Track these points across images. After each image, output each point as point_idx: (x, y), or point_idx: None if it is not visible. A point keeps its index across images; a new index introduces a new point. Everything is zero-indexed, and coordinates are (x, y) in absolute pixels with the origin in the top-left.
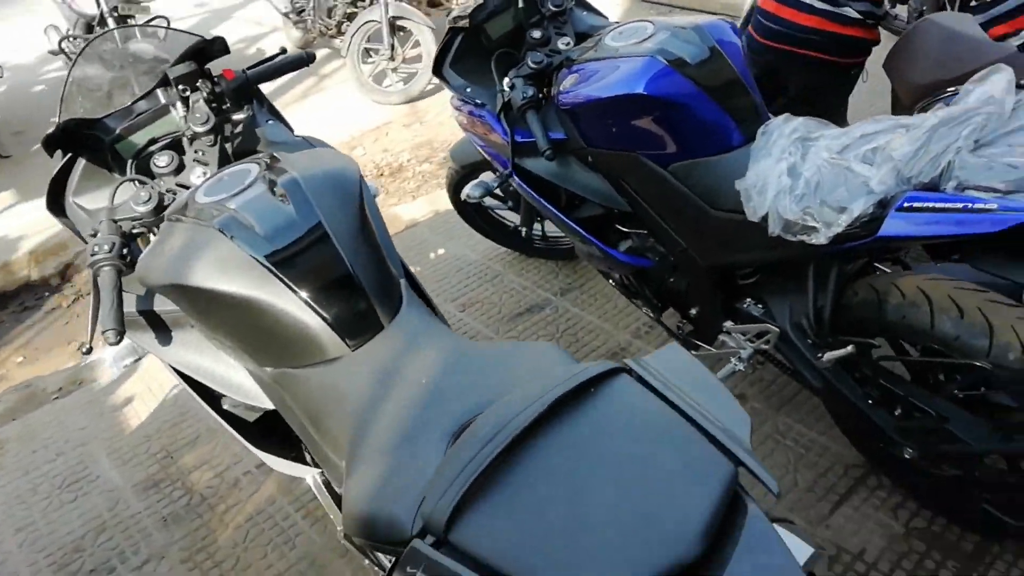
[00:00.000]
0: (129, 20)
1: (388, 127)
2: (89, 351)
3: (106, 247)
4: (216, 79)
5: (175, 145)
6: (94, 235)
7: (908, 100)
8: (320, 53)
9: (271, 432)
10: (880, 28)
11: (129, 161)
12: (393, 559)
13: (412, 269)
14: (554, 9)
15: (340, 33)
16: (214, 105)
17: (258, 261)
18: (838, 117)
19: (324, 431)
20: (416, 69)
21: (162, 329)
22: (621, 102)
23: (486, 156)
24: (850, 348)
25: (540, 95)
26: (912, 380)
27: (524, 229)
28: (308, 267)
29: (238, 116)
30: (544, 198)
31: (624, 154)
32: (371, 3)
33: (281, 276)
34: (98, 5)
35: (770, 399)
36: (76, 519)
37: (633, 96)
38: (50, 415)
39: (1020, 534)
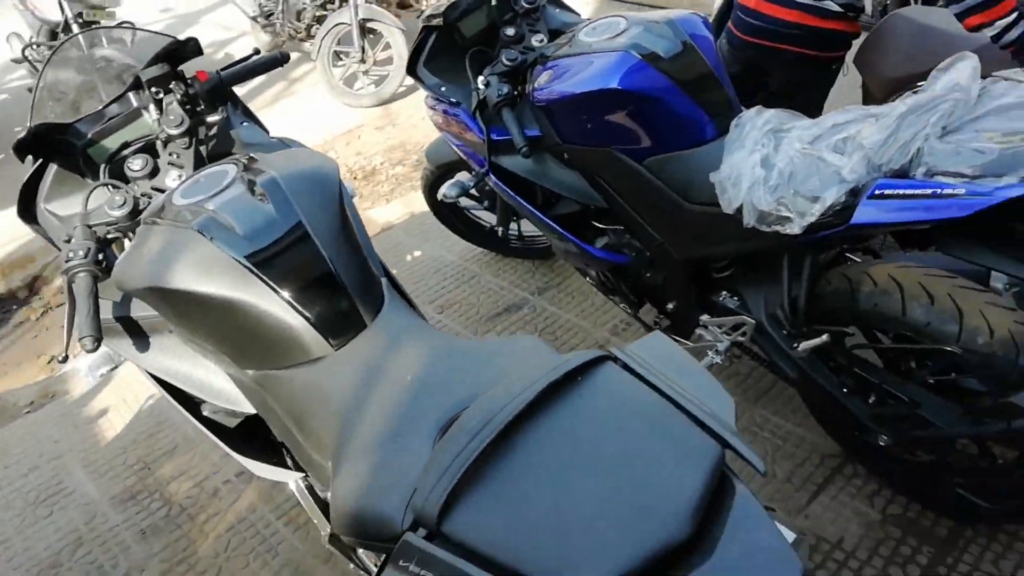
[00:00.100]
0: (94, 26)
1: (360, 130)
2: (65, 359)
3: (81, 253)
4: (189, 81)
5: (149, 149)
6: (68, 241)
7: (880, 94)
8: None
9: (252, 438)
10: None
11: (102, 166)
12: (383, 557)
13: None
14: (527, 6)
15: (309, 36)
16: (188, 107)
17: (238, 262)
18: (817, 111)
19: (308, 432)
20: (387, 71)
21: (140, 335)
22: (595, 97)
23: (462, 155)
24: (825, 337)
25: (515, 92)
26: (885, 367)
27: (500, 229)
28: (289, 267)
29: (212, 118)
30: (521, 196)
31: (599, 149)
32: (340, 5)
33: (262, 276)
34: (62, 11)
35: (746, 392)
36: (52, 534)
37: (607, 91)
38: (22, 429)
39: (993, 517)
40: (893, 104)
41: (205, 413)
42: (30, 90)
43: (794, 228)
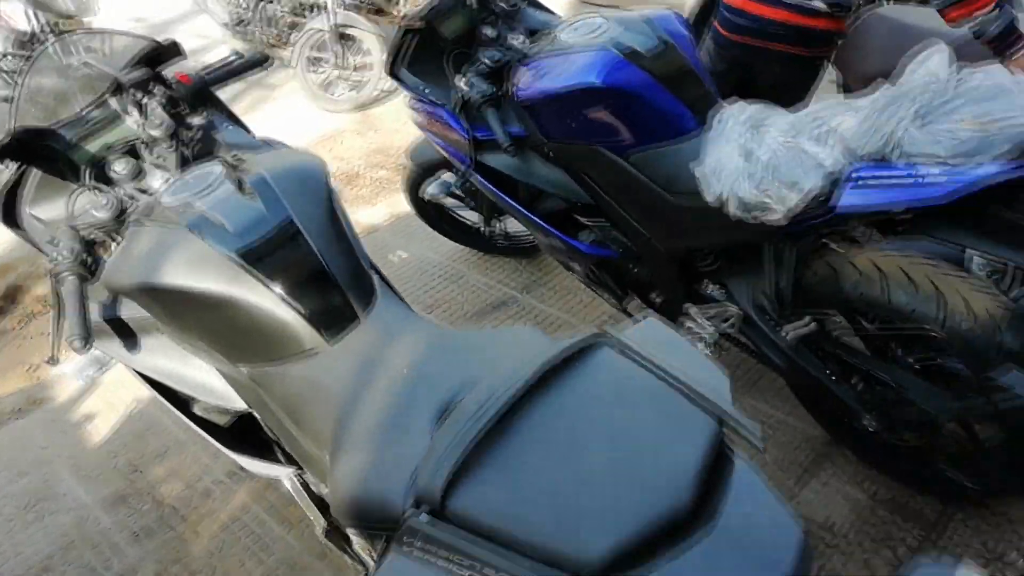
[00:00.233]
0: (75, 31)
1: (341, 135)
2: (55, 362)
3: (67, 254)
4: (171, 84)
5: (132, 151)
6: (54, 244)
7: (858, 91)
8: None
9: (244, 436)
10: None
11: (85, 169)
12: (384, 542)
13: None
14: (505, 8)
15: (285, 43)
16: (170, 110)
17: (230, 258)
18: (802, 107)
19: (304, 425)
20: (365, 77)
21: (129, 336)
22: (577, 94)
23: (445, 155)
24: (811, 324)
25: (497, 91)
26: (870, 353)
27: (485, 228)
28: (281, 262)
29: (195, 120)
30: (505, 194)
31: (583, 146)
32: (316, 12)
33: (254, 272)
34: (34, 21)
35: (735, 382)
36: (43, 538)
37: (589, 88)
38: (8, 436)
39: (979, 497)
40: (870, 96)
41: (197, 412)
42: (6, 100)
43: (777, 217)
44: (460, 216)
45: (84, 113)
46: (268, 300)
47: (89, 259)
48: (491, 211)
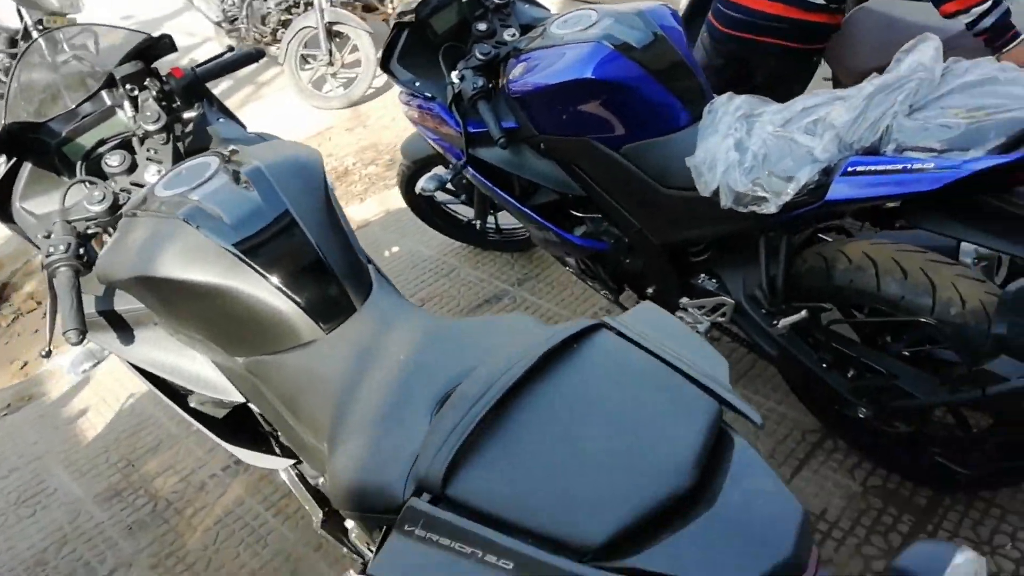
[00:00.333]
0: (66, 25)
1: (331, 132)
2: (49, 355)
3: (62, 247)
4: (164, 78)
5: (125, 145)
6: (47, 237)
7: (849, 85)
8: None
9: (240, 429)
10: None
11: (78, 163)
12: (383, 529)
13: None
14: (497, 2)
15: (275, 40)
16: (163, 104)
17: (227, 249)
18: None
19: (301, 415)
20: (356, 74)
21: (124, 328)
22: (570, 87)
23: (438, 149)
24: (803, 313)
25: (490, 85)
26: (862, 342)
27: (478, 222)
28: (278, 253)
29: (189, 114)
30: (498, 187)
31: (576, 139)
32: (306, 9)
33: (251, 263)
34: (21, 19)
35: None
36: (36, 533)
37: (582, 81)
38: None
39: (970, 485)
40: (860, 86)
41: (192, 405)
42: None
43: (770, 208)
44: (453, 211)
45: (77, 107)
46: (265, 291)
47: (83, 252)
48: (484, 205)
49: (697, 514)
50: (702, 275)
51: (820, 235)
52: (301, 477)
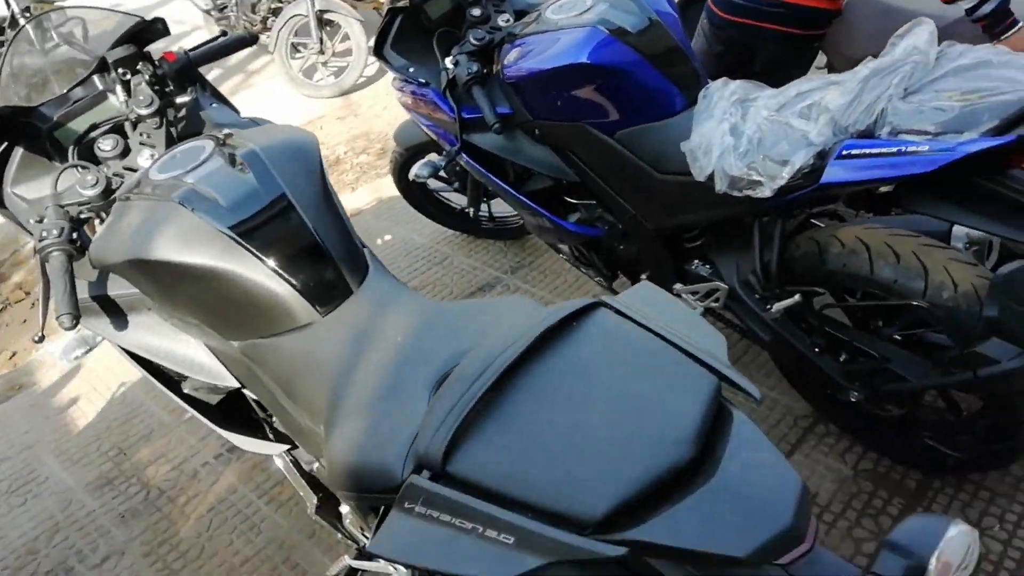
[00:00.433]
0: (56, 7)
1: (322, 121)
2: (42, 339)
3: (55, 232)
4: (157, 62)
5: (118, 130)
6: (40, 222)
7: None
8: (245, 50)
9: (233, 415)
10: None
11: (70, 148)
12: (380, 511)
13: None
14: None
15: (266, 28)
16: (156, 88)
17: (223, 232)
18: None
19: (298, 398)
20: (347, 62)
21: (117, 314)
22: (565, 72)
23: (432, 135)
24: (797, 297)
25: (484, 71)
26: (855, 326)
27: (471, 210)
28: (274, 236)
29: (182, 99)
30: (493, 174)
31: (570, 124)
32: None
33: (247, 246)
34: (8, 5)
35: None
36: (27, 522)
37: (577, 66)
38: None
39: (960, 467)
40: (855, 70)
41: (186, 391)
42: None
43: (765, 191)
44: (446, 199)
45: (68, 91)
46: (261, 273)
47: (76, 237)
48: (477, 193)
49: (697, 486)
50: (696, 261)
51: (813, 220)
52: (295, 463)
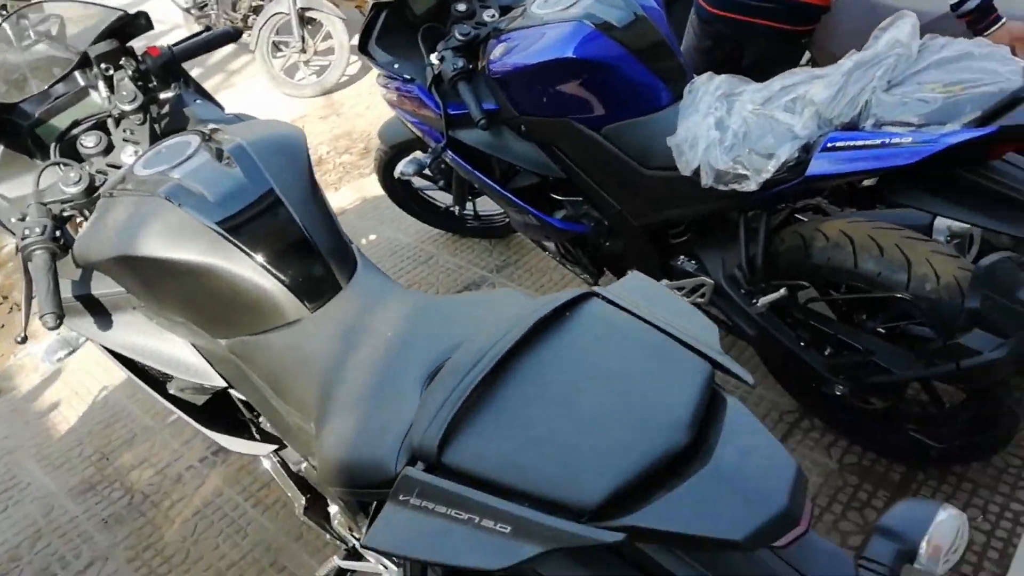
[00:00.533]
0: (33, 3)
1: (303, 120)
2: (24, 340)
3: (37, 230)
4: (141, 57)
5: (100, 126)
6: (22, 220)
7: None
8: (226, 48)
9: (220, 415)
10: None
11: (52, 145)
12: (373, 505)
13: None
14: None
15: (246, 27)
16: (140, 84)
17: (210, 227)
18: None
19: (287, 395)
20: (329, 61)
21: (101, 313)
22: (551, 67)
23: (418, 132)
24: (782, 291)
25: (470, 66)
26: (839, 319)
27: (456, 208)
28: (262, 231)
29: (165, 95)
30: (479, 171)
31: (556, 120)
32: None
33: (235, 241)
34: None
35: None
36: (8, 528)
37: (563, 61)
38: None
39: (943, 459)
40: (839, 63)
41: (172, 391)
42: None
43: (751, 185)
44: (431, 197)
45: (49, 88)
46: (249, 269)
47: (59, 235)
48: (462, 191)
49: (693, 472)
50: (682, 257)
51: (797, 216)
52: (283, 464)
